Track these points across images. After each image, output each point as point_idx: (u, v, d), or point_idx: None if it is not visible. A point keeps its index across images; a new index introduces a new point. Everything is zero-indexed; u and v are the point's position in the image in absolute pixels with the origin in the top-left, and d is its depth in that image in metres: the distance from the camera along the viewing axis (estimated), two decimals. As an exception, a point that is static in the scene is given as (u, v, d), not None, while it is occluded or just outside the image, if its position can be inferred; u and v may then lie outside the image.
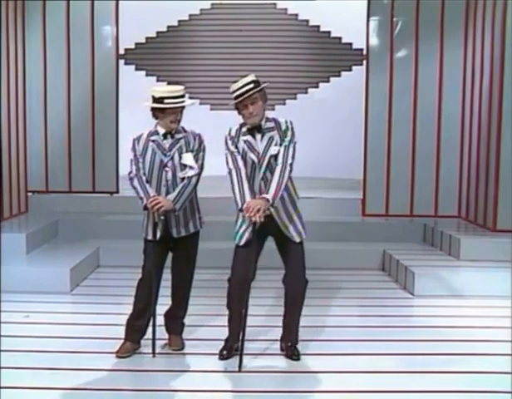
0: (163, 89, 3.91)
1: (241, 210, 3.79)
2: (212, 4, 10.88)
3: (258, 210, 3.67)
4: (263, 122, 3.85)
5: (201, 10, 10.92)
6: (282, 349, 4.08)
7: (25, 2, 7.54)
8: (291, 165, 3.80)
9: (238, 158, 3.85)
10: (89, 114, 7.87)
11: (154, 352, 3.92)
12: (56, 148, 7.89)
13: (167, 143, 3.95)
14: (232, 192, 3.84)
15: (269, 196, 3.71)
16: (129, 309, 4.11)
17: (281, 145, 3.81)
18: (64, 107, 7.85)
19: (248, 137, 3.85)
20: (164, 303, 4.16)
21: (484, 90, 6.98)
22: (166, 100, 3.84)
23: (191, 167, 3.92)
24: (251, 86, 3.77)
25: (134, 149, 4.00)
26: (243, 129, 3.89)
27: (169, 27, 10.92)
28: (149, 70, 10.83)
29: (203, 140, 4.02)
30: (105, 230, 7.00)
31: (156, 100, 3.86)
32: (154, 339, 3.94)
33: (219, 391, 3.56)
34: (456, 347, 4.25)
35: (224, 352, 3.98)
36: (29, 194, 7.77)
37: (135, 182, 3.95)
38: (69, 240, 6.82)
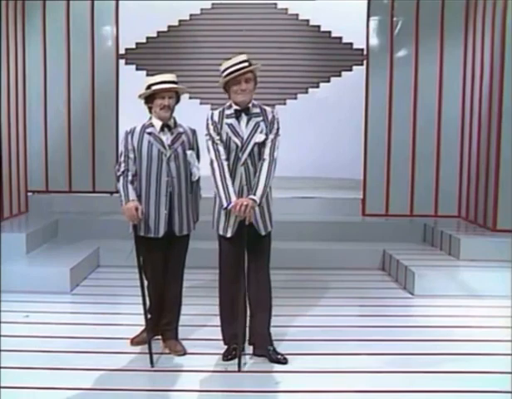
0: (154, 77, 3.84)
1: (225, 209, 3.73)
2: (212, 4, 10.89)
3: (246, 207, 3.65)
4: (250, 105, 3.79)
5: (202, 10, 10.93)
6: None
7: (25, 2, 7.54)
8: (275, 159, 3.77)
9: (221, 148, 3.75)
10: (89, 114, 7.86)
11: (152, 362, 3.83)
12: (56, 148, 7.89)
13: (164, 136, 3.85)
14: (215, 186, 3.76)
15: (256, 197, 3.69)
16: (128, 309, 4.15)
17: (267, 134, 3.75)
18: (64, 107, 7.85)
19: (233, 121, 3.77)
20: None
21: (484, 90, 6.97)
22: (154, 87, 3.79)
23: (196, 167, 3.89)
24: (246, 64, 3.75)
25: (126, 142, 3.84)
26: (228, 112, 3.79)
27: (169, 26, 10.92)
28: (149, 70, 10.78)
29: (197, 135, 4.00)
30: (105, 230, 6.99)
31: (146, 89, 3.83)
32: (150, 350, 3.85)
33: (219, 391, 3.56)
34: (456, 346, 4.25)
35: (229, 356, 3.92)
36: (29, 194, 7.77)
37: (120, 184, 3.81)
38: (69, 240, 6.81)
